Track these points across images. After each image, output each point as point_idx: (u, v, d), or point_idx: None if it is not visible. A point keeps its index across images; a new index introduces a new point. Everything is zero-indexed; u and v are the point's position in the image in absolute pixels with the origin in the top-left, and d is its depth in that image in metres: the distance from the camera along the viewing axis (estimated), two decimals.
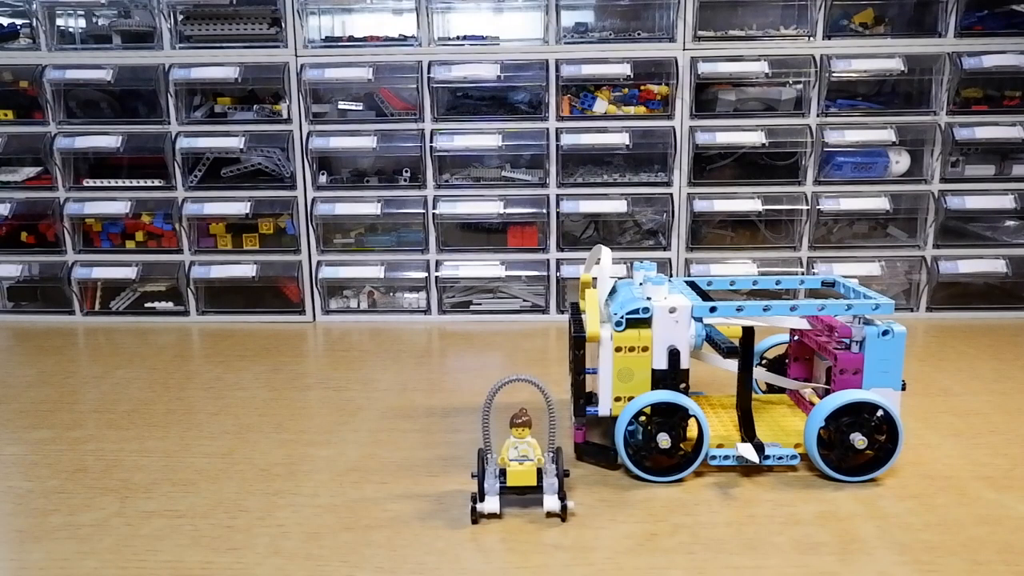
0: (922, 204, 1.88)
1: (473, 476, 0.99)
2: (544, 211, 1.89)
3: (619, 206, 1.87)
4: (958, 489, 1.05)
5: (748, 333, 1.07)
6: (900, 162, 1.88)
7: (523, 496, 0.98)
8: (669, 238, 1.91)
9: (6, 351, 1.75)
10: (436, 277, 1.94)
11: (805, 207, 1.88)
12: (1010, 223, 1.95)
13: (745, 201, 1.87)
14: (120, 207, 1.91)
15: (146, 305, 2.00)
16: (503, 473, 0.98)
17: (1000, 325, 1.85)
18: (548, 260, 1.93)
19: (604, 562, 0.89)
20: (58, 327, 1.93)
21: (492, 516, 0.97)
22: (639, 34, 1.89)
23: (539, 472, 0.99)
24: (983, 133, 1.83)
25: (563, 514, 0.97)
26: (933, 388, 1.43)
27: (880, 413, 1.04)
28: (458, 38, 1.90)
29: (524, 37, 1.98)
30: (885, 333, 1.06)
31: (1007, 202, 1.86)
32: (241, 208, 1.90)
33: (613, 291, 1.16)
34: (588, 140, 1.85)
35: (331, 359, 1.68)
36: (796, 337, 1.21)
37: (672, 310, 1.06)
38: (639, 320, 1.07)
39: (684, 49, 1.82)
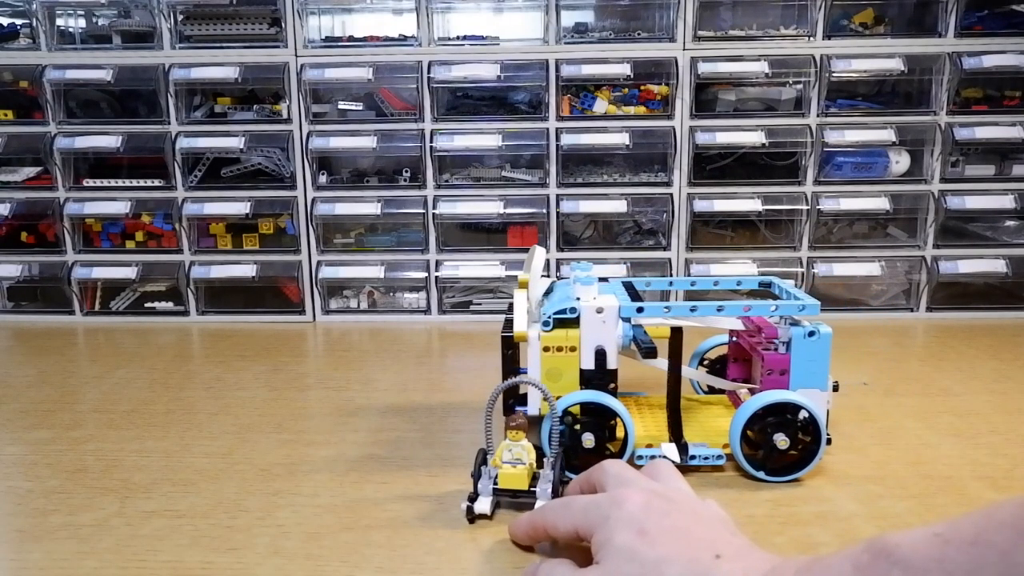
0: (922, 204, 1.89)
1: (472, 476, 0.99)
2: (544, 211, 1.89)
3: (619, 206, 1.87)
4: (958, 489, 1.05)
5: (676, 334, 1.08)
6: (900, 162, 1.88)
7: (515, 499, 0.98)
8: (669, 238, 1.91)
9: (6, 351, 1.75)
10: (436, 277, 1.94)
11: (805, 207, 1.88)
12: (1010, 223, 1.95)
13: (745, 201, 1.87)
14: (120, 207, 1.91)
15: (146, 305, 2.00)
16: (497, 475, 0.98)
17: (1000, 325, 1.85)
18: (548, 260, 1.92)
19: None
20: (58, 327, 1.93)
21: (482, 517, 0.97)
22: (639, 34, 1.89)
23: (535, 476, 0.99)
24: (983, 133, 1.83)
25: None
26: (933, 388, 1.44)
27: (804, 414, 1.04)
28: (458, 38, 1.91)
29: (524, 37, 1.98)
30: (811, 334, 1.06)
31: (1007, 202, 1.86)
32: (241, 208, 1.90)
33: (550, 291, 1.18)
34: (588, 140, 1.85)
35: (331, 359, 1.68)
36: (734, 338, 1.22)
37: (599, 310, 1.06)
38: (567, 320, 1.07)
39: (684, 49, 1.82)
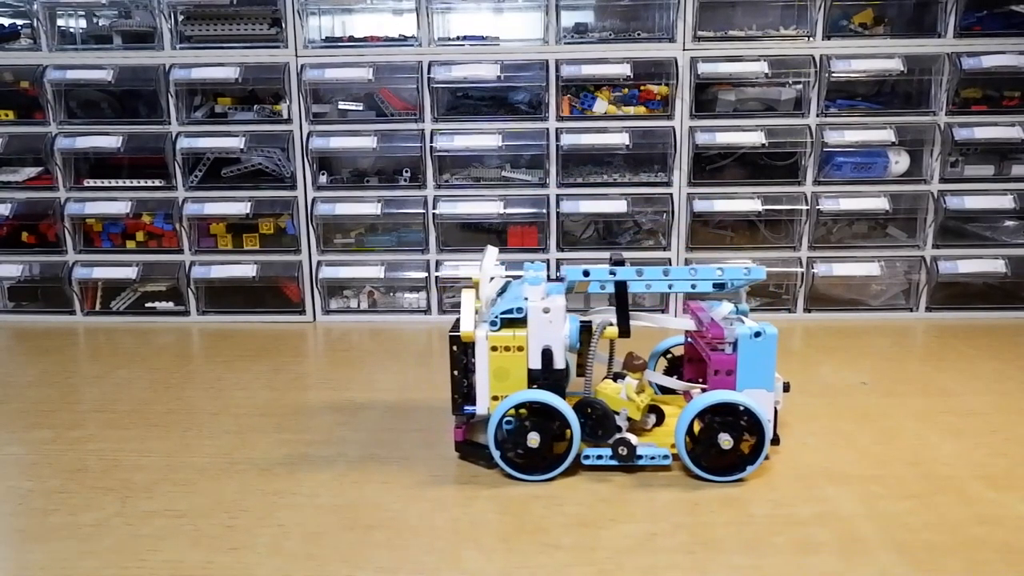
0: (921, 204, 1.89)
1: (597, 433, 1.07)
2: (544, 211, 1.89)
3: (619, 206, 1.87)
4: (958, 489, 1.05)
5: (621, 293, 1.10)
6: (900, 162, 1.88)
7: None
8: (669, 238, 1.91)
9: (7, 351, 1.75)
10: (436, 277, 1.94)
11: (805, 207, 1.88)
12: (1009, 223, 1.95)
13: (745, 201, 1.87)
14: (121, 207, 1.91)
15: (146, 305, 2.00)
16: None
17: (1000, 325, 1.85)
18: (548, 260, 1.93)
19: (604, 562, 0.89)
20: (58, 327, 1.94)
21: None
22: (639, 34, 1.89)
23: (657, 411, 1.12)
24: (982, 133, 1.83)
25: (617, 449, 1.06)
26: (933, 388, 1.44)
27: (748, 414, 1.05)
28: (458, 38, 1.91)
29: (524, 37, 1.98)
30: (757, 335, 1.07)
31: (1006, 202, 1.86)
32: (241, 208, 1.91)
33: (504, 291, 1.19)
34: (588, 140, 1.85)
35: (331, 359, 1.68)
36: (689, 339, 1.22)
37: (546, 310, 1.06)
38: (514, 320, 1.08)
39: (684, 49, 1.82)
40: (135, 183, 1.94)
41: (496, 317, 1.08)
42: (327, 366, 1.63)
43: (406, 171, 1.95)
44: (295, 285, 1.97)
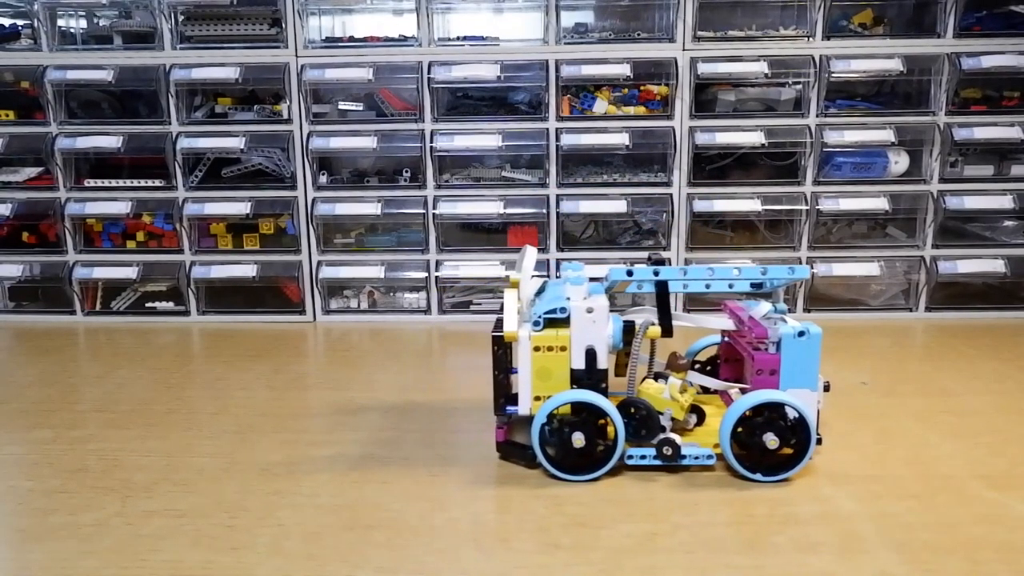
0: (921, 204, 1.89)
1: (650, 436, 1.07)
2: (544, 211, 1.89)
3: (619, 206, 1.88)
4: (957, 488, 1.05)
5: (663, 293, 1.10)
6: (899, 162, 1.88)
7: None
8: (669, 238, 1.92)
9: (7, 351, 1.75)
10: (436, 277, 1.94)
11: (804, 207, 1.88)
12: (1009, 223, 1.95)
13: (745, 201, 1.88)
14: (121, 207, 1.92)
15: (147, 305, 2.00)
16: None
17: (1000, 325, 1.85)
18: (548, 260, 1.93)
19: (604, 562, 0.89)
20: (59, 327, 1.94)
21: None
22: (639, 34, 1.89)
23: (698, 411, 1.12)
24: (982, 133, 1.83)
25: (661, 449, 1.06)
26: (933, 388, 1.44)
27: (794, 414, 1.04)
28: (458, 38, 1.91)
29: (524, 37, 1.98)
30: (801, 334, 1.07)
31: (1006, 202, 1.86)
32: (241, 208, 1.91)
33: (542, 291, 1.18)
34: (588, 140, 1.85)
35: (331, 359, 1.68)
36: (726, 338, 1.22)
37: (589, 310, 1.06)
38: (557, 320, 1.08)
39: (684, 49, 1.83)
40: (135, 183, 1.94)
41: (539, 317, 1.07)
42: (327, 366, 1.63)
43: (406, 171, 1.95)
44: (295, 285, 1.97)
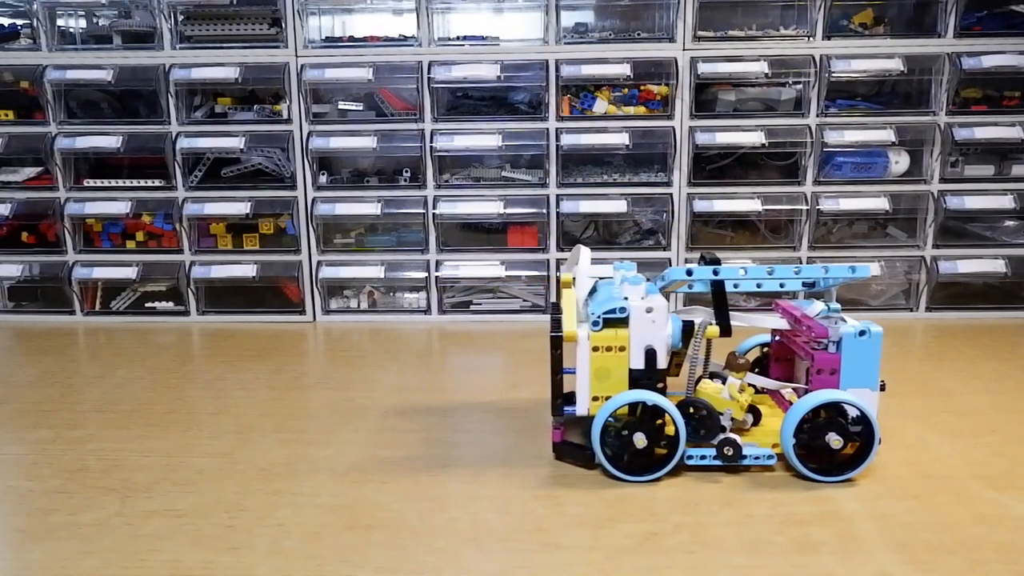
0: (921, 204, 1.89)
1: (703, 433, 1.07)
2: (544, 211, 1.89)
3: (619, 206, 1.87)
4: (957, 488, 1.05)
5: (720, 293, 1.10)
6: (900, 162, 1.88)
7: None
8: (669, 238, 1.91)
9: (7, 351, 1.75)
10: (436, 277, 1.94)
11: (805, 207, 1.88)
12: (1009, 223, 1.95)
13: (745, 201, 1.87)
14: (120, 207, 1.91)
15: (146, 305, 2.00)
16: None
17: (1000, 325, 1.85)
18: (548, 260, 1.93)
19: (604, 562, 0.89)
20: (59, 327, 1.94)
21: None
22: (639, 34, 1.89)
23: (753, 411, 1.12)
24: (982, 133, 1.83)
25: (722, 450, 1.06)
26: (933, 388, 1.44)
27: (856, 413, 1.04)
28: (458, 38, 1.91)
29: (524, 37, 1.98)
30: (862, 333, 1.06)
31: (1006, 202, 1.86)
32: (241, 208, 1.91)
33: (594, 291, 1.17)
34: (588, 140, 1.85)
35: (331, 359, 1.68)
36: (777, 338, 1.22)
37: (649, 310, 1.06)
38: (616, 320, 1.07)
39: (684, 49, 1.82)
40: (135, 183, 1.94)
41: (598, 317, 1.07)
42: (327, 366, 1.63)
43: (406, 171, 1.95)
44: (295, 285, 1.97)
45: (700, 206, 1.88)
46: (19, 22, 1.97)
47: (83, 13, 1.97)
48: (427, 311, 1.97)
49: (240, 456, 1.17)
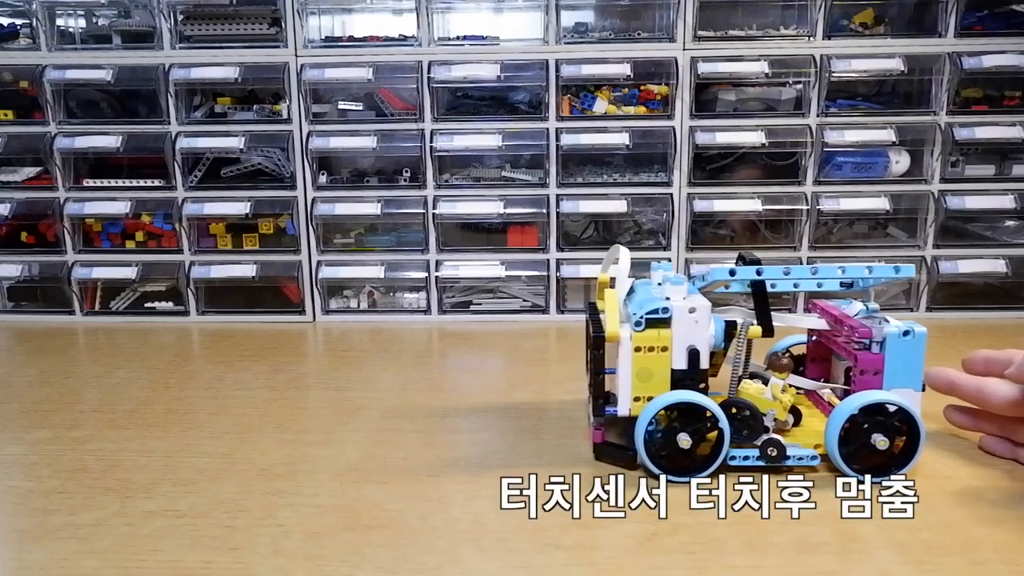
0: (922, 204, 1.89)
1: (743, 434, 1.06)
2: (544, 211, 1.89)
3: (619, 206, 1.87)
4: (958, 489, 1.05)
5: (761, 292, 1.10)
6: (900, 162, 1.88)
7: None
8: (669, 238, 1.91)
9: (6, 351, 1.75)
10: (436, 277, 1.94)
11: (805, 207, 1.88)
12: (1010, 223, 1.95)
13: (745, 201, 1.87)
14: (120, 207, 1.91)
15: (146, 305, 2.00)
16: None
17: (1000, 325, 1.85)
18: (548, 260, 1.93)
19: (604, 562, 0.89)
20: (58, 327, 1.94)
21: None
22: (639, 34, 1.89)
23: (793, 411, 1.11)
24: (983, 133, 1.83)
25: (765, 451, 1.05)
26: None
27: (901, 414, 1.03)
28: (458, 38, 1.91)
29: (524, 37, 1.98)
30: (906, 333, 1.06)
31: (1007, 202, 1.86)
32: (241, 208, 1.90)
33: (631, 291, 1.17)
34: (588, 140, 1.85)
35: (331, 359, 1.68)
36: (814, 338, 1.22)
37: (692, 310, 1.05)
38: (658, 320, 1.07)
39: (684, 49, 1.82)
40: (135, 183, 1.94)
41: (641, 317, 1.06)
42: (327, 366, 1.63)
43: (406, 171, 1.95)
44: (295, 285, 1.97)
45: (700, 206, 1.88)
46: (18, 22, 1.96)
47: (82, 13, 1.97)
48: (427, 311, 1.97)
49: (240, 456, 1.17)
